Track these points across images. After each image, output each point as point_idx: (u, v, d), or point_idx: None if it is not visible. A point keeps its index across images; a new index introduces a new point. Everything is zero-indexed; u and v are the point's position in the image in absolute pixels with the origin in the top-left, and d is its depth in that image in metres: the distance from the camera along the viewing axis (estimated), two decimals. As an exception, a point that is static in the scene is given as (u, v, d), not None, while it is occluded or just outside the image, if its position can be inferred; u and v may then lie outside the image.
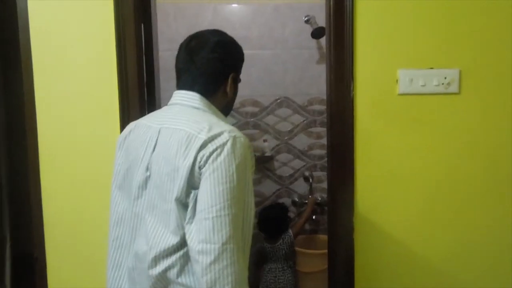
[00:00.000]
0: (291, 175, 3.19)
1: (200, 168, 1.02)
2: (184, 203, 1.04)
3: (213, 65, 1.17)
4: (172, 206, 1.04)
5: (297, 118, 3.14)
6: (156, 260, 1.06)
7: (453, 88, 1.59)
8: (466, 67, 1.59)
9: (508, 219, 1.65)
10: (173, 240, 1.05)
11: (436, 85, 1.59)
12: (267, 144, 3.12)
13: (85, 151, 1.61)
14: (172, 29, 2.89)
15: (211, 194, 1.00)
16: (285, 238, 2.79)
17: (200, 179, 1.02)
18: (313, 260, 2.86)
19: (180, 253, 1.05)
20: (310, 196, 3.11)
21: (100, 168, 1.58)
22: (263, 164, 3.15)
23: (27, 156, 1.45)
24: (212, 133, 1.04)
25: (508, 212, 1.65)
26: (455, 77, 1.59)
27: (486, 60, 1.59)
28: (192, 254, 1.01)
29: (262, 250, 2.83)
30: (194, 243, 1.00)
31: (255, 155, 3.03)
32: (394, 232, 1.65)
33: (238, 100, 3.01)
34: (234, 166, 1.02)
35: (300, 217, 3.07)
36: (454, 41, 1.59)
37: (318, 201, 3.12)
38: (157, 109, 1.54)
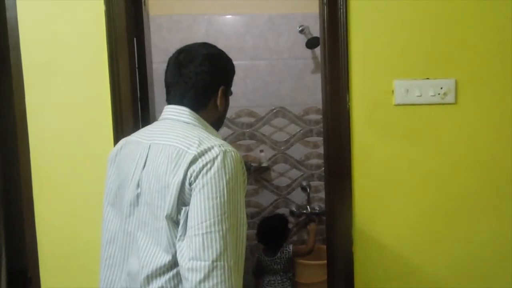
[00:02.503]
0: (288, 185, 3.18)
1: (190, 184, 1.00)
2: (175, 220, 1.02)
3: (202, 79, 1.15)
4: (163, 224, 1.02)
5: (293, 128, 3.13)
6: (149, 279, 1.03)
7: (450, 98, 1.58)
8: (462, 77, 1.59)
9: (506, 230, 1.64)
10: (165, 258, 1.02)
11: (432, 96, 1.58)
12: (264, 155, 3.10)
13: (78, 168, 1.58)
14: (166, 41, 2.87)
15: (201, 210, 0.97)
16: (283, 252, 2.76)
17: (191, 195, 1.00)
18: (313, 271, 2.84)
19: (174, 271, 1.03)
20: (311, 224, 3.02)
21: (94, 186, 1.55)
22: (260, 174, 3.13)
23: (19, 174, 1.43)
24: (202, 147, 1.02)
25: (506, 223, 1.64)
26: (451, 87, 1.58)
27: (482, 70, 1.59)
28: (182, 271, 0.98)
29: (260, 262, 2.81)
30: (184, 260, 0.97)
31: (251, 165, 3.05)
32: (393, 243, 1.64)
33: (234, 111, 3.06)
34: (224, 181, 0.99)
35: (305, 245, 2.99)
36: (450, 51, 1.58)
37: (316, 211, 3.09)
38: (152, 122, 1.52)
